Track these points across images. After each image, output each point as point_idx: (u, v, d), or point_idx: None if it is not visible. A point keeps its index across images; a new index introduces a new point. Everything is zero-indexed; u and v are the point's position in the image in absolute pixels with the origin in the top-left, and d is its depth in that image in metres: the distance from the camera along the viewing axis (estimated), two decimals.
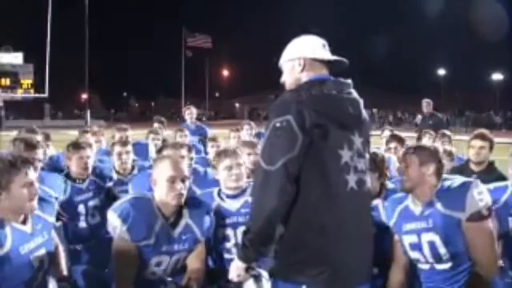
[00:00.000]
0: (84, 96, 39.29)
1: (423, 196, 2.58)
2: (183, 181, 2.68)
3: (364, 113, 2.31)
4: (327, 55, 2.31)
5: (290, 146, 2.02)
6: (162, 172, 2.68)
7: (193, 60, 47.50)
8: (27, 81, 43.34)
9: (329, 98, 2.15)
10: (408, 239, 2.64)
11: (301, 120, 2.03)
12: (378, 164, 2.98)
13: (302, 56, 2.27)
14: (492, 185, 2.93)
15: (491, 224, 2.49)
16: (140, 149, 5.29)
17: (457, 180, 2.59)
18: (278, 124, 2.05)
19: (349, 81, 2.28)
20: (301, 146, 2.03)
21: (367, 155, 2.29)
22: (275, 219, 2.05)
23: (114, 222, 2.61)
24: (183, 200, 2.70)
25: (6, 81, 42.51)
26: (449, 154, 4.47)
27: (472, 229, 2.44)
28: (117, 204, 2.69)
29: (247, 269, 2.18)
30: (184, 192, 2.70)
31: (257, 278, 2.25)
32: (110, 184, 4.03)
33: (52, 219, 2.71)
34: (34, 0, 43.64)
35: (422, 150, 2.64)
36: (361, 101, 2.29)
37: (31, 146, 3.42)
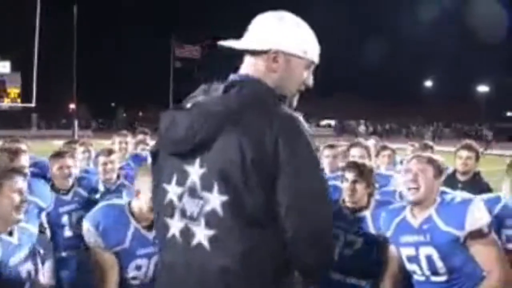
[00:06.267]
0: (72, 106, 38.99)
1: (425, 208, 2.56)
2: None
3: (227, 134, 1.47)
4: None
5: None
6: (145, 182, 2.62)
7: (182, 69, 47.40)
8: (14, 90, 43.11)
9: (168, 117, 1.62)
10: (405, 252, 2.64)
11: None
12: (365, 174, 2.95)
13: None
14: (484, 196, 2.91)
15: (495, 237, 2.49)
16: (139, 161, 5.29)
17: (457, 196, 2.58)
18: None
19: (219, 86, 1.63)
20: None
21: (220, 197, 1.47)
22: None
23: (87, 230, 2.67)
24: None
25: None
26: None
27: (474, 246, 2.44)
28: (89, 213, 2.76)
29: None
30: None
31: None
32: (97, 196, 3.92)
33: (35, 229, 2.71)
34: (22, 9, 43.39)
35: (435, 161, 2.60)
36: (222, 116, 1.49)
37: (15, 153, 3.41)
